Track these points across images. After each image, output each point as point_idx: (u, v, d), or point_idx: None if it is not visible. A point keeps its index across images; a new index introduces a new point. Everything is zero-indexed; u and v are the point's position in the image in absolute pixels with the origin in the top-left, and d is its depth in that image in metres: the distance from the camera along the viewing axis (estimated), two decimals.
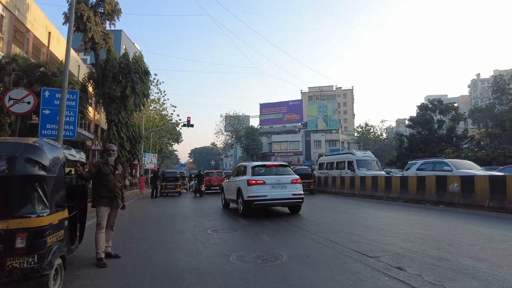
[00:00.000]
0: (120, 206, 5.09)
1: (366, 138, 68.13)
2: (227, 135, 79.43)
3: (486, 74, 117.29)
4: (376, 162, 19.50)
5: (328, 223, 8.01)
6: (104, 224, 4.82)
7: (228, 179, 12.12)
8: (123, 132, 22.79)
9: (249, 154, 69.12)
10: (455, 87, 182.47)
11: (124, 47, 27.56)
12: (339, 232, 6.64)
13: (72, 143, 25.62)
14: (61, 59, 26.33)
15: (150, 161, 35.58)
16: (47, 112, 11.11)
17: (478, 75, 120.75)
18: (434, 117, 37.58)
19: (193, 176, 26.24)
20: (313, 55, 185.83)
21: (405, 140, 38.65)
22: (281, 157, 71.13)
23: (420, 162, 15.47)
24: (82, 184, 5.20)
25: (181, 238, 6.55)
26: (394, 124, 78.32)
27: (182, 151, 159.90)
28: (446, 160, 14.32)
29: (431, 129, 36.94)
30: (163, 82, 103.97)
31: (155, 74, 54.68)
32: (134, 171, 33.26)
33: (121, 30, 48.72)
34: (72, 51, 31.60)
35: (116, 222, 5.26)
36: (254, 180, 9.11)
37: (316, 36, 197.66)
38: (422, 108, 38.67)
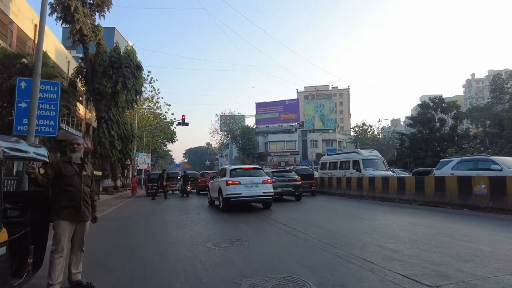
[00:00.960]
0: (90, 219, 3.87)
1: (363, 138, 67.28)
2: (222, 135, 78.07)
3: (481, 74, 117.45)
4: (383, 162, 18.42)
5: (347, 232, 6.84)
6: (64, 245, 3.54)
7: (213, 180, 13.43)
8: (114, 130, 21.45)
9: (245, 154, 67.91)
10: (449, 87, 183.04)
11: (115, 40, 26.11)
12: (367, 246, 5.48)
13: (60, 142, 24.22)
14: (49, 54, 25.00)
15: (143, 161, 34.22)
16: (24, 105, 9.82)
17: (473, 75, 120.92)
18: (436, 116, 36.75)
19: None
20: (311, 54, 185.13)
21: (406, 139, 37.75)
22: (278, 157, 70.08)
23: (456, 160, 13.78)
24: (41, 190, 3.91)
25: (175, 254, 5.33)
26: (389, 124, 77.67)
27: (177, 151, 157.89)
28: (493, 157, 12.32)
29: (432, 128, 36.12)
30: (157, 80, 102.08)
31: (149, 72, 53.09)
32: (126, 171, 31.86)
33: (114, 28, 47.22)
34: (62, 47, 30.41)
35: (96, 233, 4.01)
36: (231, 181, 10.78)
37: (314, 35, 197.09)
38: (423, 106, 37.82)
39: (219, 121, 77.45)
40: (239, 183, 10.73)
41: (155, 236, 6.93)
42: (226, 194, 10.63)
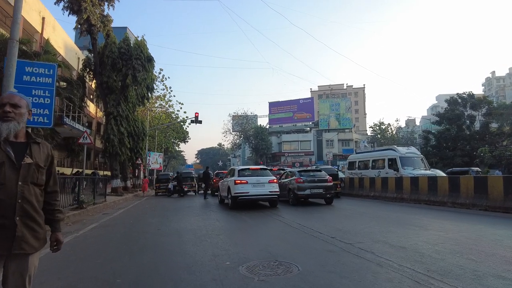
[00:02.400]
0: (40, 248, 1.99)
1: (383, 137, 64.67)
2: (235, 135, 76.46)
3: (501, 72, 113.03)
4: (422, 160, 16.34)
5: (428, 250, 4.97)
6: None
7: (222, 179, 14.20)
8: (123, 126, 19.98)
9: (258, 155, 66.13)
10: (467, 86, 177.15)
11: (127, 30, 24.54)
12: (481, 276, 3.63)
13: (67, 140, 22.90)
14: (58, 50, 23.78)
15: (155, 160, 32.82)
16: (14, 91, 8.30)
17: (493, 72, 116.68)
18: (465, 113, 34.26)
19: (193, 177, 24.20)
20: (325, 52, 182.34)
21: (432, 137, 35.33)
22: (292, 157, 68.11)
23: None
24: None
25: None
26: (404, 124, 74.42)
27: (189, 151, 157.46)
28: None
29: (461, 126, 33.64)
30: (169, 77, 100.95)
31: (161, 69, 51.85)
32: (137, 171, 30.47)
33: (126, 27, 46.17)
34: (72, 44, 29.24)
35: (90, 250, 2.45)
36: (239, 180, 11.43)
37: (326, 31, 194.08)
38: (450, 102, 35.33)
39: (231, 121, 75.96)
40: (247, 183, 11.35)
41: (167, 255, 5.19)
42: (235, 193, 11.28)
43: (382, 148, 22.02)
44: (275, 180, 11.94)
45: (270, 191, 11.46)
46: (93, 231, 7.58)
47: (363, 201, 14.61)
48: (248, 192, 11.27)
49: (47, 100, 8.74)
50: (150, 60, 20.48)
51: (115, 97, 20.14)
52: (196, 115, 30.98)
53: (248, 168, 12.72)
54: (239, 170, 12.22)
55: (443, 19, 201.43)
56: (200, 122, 31.22)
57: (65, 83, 14.72)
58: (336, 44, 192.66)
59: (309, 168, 17.87)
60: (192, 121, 31.21)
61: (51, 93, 8.82)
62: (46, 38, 17.90)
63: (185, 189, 21.51)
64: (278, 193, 11.79)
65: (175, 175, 26.23)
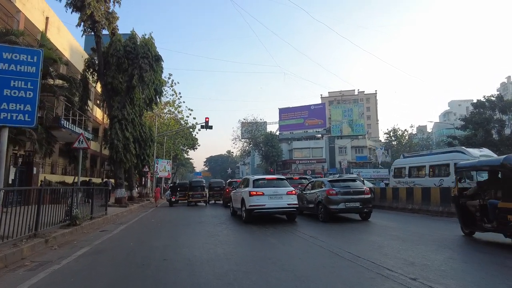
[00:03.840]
0: None
1: (399, 144, 62.26)
2: (244, 142, 74.71)
3: None
4: None
5: None
6: None
7: (235, 190, 13.11)
8: (129, 131, 18.36)
9: (268, 162, 64.20)
10: (480, 92, 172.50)
11: (132, 28, 22.95)
12: None
13: (69, 145, 21.35)
14: (63, 52, 22.46)
15: (163, 168, 31.15)
16: None
17: (509, 77, 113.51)
18: (493, 116, 31.92)
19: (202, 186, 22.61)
20: (334, 58, 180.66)
21: (457, 143, 32.98)
22: (303, 165, 66.02)
23: None
24: None
25: None
26: (415, 131, 71.51)
27: (197, 159, 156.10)
28: None
29: (489, 131, 31.30)
30: (178, 82, 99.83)
31: (170, 74, 50.51)
32: (144, 179, 28.81)
33: (135, 34, 45.12)
34: (78, 46, 28.02)
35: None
36: (254, 191, 10.47)
37: (336, 38, 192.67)
38: (477, 105, 33.03)
39: (240, 128, 74.39)
40: (263, 194, 10.43)
41: None
42: (250, 205, 10.40)
43: (445, 150, 18.34)
44: (294, 192, 10.92)
45: (288, 204, 10.49)
46: (79, 261, 5.79)
47: (400, 215, 12.62)
48: (264, 205, 10.33)
49: (29, 94, 7.07)
50: (158, 59, 18.91)
51: (120, 99, 18.59)
52: (207, 120, 29.40)
53: (264, 178, 11.67)
54: (254, 180, 11.29)
55: (454, 25, 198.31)
56: (211, 127, 29.65)
57: (63, 82, 13.18)
58: (347, 49, 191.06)
59: (341, 177, 15.72)
60: (202, 127, 29.59)
61: (34, 85, 7.15)
62: (43, 34, 16.40)
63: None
64: (297, 206, 10.84)
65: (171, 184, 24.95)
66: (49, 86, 11.75)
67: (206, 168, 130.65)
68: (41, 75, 9.93)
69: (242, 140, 73.80)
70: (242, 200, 11.12)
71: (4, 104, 6.91)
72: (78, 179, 10.38)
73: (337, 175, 17.61)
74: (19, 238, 6.38)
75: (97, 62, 18.85)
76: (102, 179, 28.18)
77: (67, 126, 14.21)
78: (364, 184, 15.20)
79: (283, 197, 10.57)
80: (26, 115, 7.01)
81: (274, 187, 10.89)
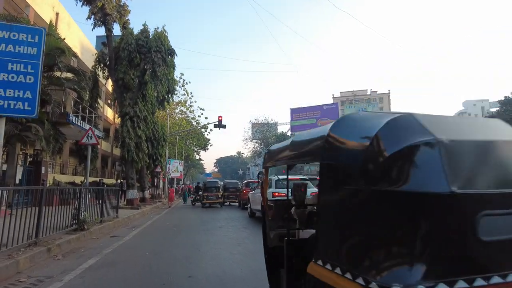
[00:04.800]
0: None
1: None
2: (256, 142, 73.57)
3: None
4: None
5: None
6: None
7: (254, 190, 12.42)
8: (141, 129, 17.43)
9: None
10: (496, 92, 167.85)
11: (144, 21, 21.73)
12: None
13: (77, 145, 20.53)
14: (73, 49, 21.75)
15: (175, 168, 30.29)
16: None
17: None
18: None
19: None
20: (347, 56, 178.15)
21: None
22: (316, 166, 64.52)
23: None
24: None
25: None
26: None
27: (207, 160, 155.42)
28: None
29: None
30: (189, 82, 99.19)
31: (181, 74, 49.72)
32: (156, 180, 27.94)
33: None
34: (89, 44, 27.37)
35: None
36: (277, 193, 9.75)
37: (350, 35, 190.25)
38: (504, 103, 31.33)
39: (251, 129, 73.32)
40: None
41: None
42: None
43: None
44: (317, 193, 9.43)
45: None
46: (85, 277, 4.75)
47: None
48: None
49: (30, 79, 6.11)
50: (171, 53, 17.95)
51: (132, 96, 17.69)
52: (220, 119, 28.38)
53: (287, 179, 10.07)
54: (276, 181, 10.60)
55: (469, 24, 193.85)
56: (224, 126, 28.61)
57: (72, 75, 12.30)
58: (359, 47, 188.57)
59: None
60: (215, 126, 28.56)
61: (35, 68, 6.19)
62: (51, 23, 15.61)
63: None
64: None
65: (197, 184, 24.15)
66: (56, 78, 10.86)
67: (216, 170, 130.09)
68: (47, 66, 8.99)
69: (253, 140, 72.59)
70: None
71: (7, 91, 5.96)
72: (86, 179, 9.40)
73: None
74: (16, 247, 5.40)
75: (107, 57, 17.97)
76: (117, 180, 27.39)
77: (76, 123, 13.30)
78: None
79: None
80: (26, 103, 6.05)
81: None
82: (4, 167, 13.52)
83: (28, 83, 6.10)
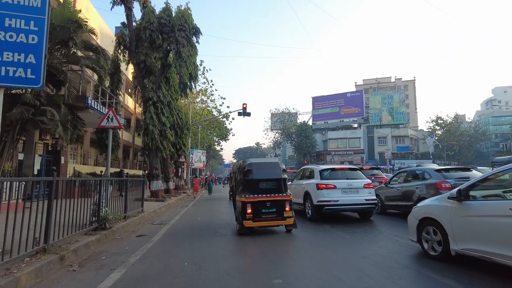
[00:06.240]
0: None
1: (448, 132, 57.00)
2: (276, 132, 71.80)
3: None
4: None
5: None
6: None
7: (291, 181, 11.42)
8: (165, 115, 16.11)
9: (301, 153, 61.05)
10: None
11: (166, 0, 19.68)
12: None
13: (101, 134, 19.45)
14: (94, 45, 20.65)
15: (198, 159, 29.10)
16: None
17: None
18: None
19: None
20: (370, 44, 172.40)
21: None
22: (339, 156, 62.36)
23: None
24: None
25: None
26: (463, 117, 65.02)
27: (226, 151, 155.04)
28: None
29: None
30: (210, 69, 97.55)
31: (201, 61, 48.19)
32: (180, 170, 26.80)
33: None
34: (108, 30, 26.26)
35: None
36: (324, 184, 8.88)
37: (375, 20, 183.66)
38: None
39: (271, 119, 71.55)
40: (335, 188, 8.78)
41: None
42: (318, 201, 8.78)
43: None
44: (371, 184, 9.30)
45: (366, 200, 8.80)
46: None
47: None
48: (337, 201, 8.62)
49: (33, 39, 4.72)
50: (196, 32, 16.41)
51: (154, 79, 16.36)
52: (244, 106, 26.84)
53: (334, 168, 9.84)
54: (321, 171, 9.44)
55: (497, 8, 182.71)
56: (249, 114, 27.02)
57: (89, 53, 11.02)
58: (387, 34, 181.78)
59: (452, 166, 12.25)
60: (239, 113, 27.03)
61: (40, 25, 4.79)
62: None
63: None
64: (376, 202, 9.43)
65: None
66: (72, 54, 9.56)
67: (235, 160, 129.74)
68: (62, 41, 7.61)
69: (274, 130, 70.81)
70: (305, 195, 9.50)
71: (4, 54, 4.59)
72: (108, 169, 8.10)
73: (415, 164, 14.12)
74: (19, 256, 4.09)
75: (128, 38, 16.66)
76: (144, 171, 26.46)
77: (95, 107, 12.06)
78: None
79: (359, 190, 8.87)
80: (29, 70, 4.68)
81: (347, 178, 9.17)
82: (21, 156, 12.53)
83: (31, 44, 4.71)
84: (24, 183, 5.76)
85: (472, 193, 4.37)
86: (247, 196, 7.09)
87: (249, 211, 6.96)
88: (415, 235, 5.14)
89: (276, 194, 7.17)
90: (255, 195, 7.08)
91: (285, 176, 7.52)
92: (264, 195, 7.11)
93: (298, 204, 10.24)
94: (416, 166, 11.81)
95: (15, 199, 4.39)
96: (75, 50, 9.66)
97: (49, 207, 4.69)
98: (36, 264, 4.11)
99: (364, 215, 9.41)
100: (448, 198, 4.57)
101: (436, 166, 8.99)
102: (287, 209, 7.15)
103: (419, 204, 5.42)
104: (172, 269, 4.57)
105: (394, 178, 10.29)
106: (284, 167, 7.66)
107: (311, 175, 9.86)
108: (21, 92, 9.74)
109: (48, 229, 4.63)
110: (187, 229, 8.29)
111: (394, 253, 5.33)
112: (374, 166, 16.56)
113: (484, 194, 4.45)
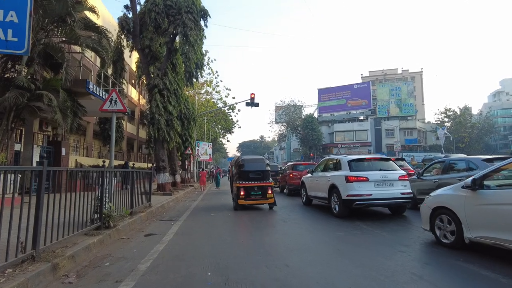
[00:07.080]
0: None
1: (459, 124, 55.62)
2: (281, 125, 70.76)
3: None
4: None
5: None
6: None
7: (311, 174, 10.59)
8: (171, 104, 15.14)
9: (307, 146, 60.03)
10: None
11: None
12: None
13: (104, 124, 18.49)
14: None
15: (204, 151, 28.19)
16: None
17: None
18: None
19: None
20: (377, 35, 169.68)
21: None
22: (346, 149, 61.24)
23: None
24: None
25: None
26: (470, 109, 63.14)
27: (229, 144, 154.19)
28: None
29: None
30: (214, 59, 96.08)
31: (206, 51, 46.97)
32: (187, 163, 25.90)
33: None
34: (110, 17, 25.16)
35: None
36: (354, 177, 7.88)
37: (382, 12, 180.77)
38: None
39: (275, 112, 70.50)
40: (367, 180, 7.77)
41: None
42: (348, 195, 7.78)
43: None
44: (406, 176, 8.27)
45: (402, 193, 7.75)
46: None
47: None
48: (370, 195, 7.62)
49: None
50: (205, 14, 15.31)
51: (160, 66, 15.37)
52: (252, 96, 25.78)
53: (365, 159, 8.76)
54: (350, 161, 8.40)
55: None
56: (257, 104, 25.93)
57: (90, 32, 10.01)
58: (391, 24, 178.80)
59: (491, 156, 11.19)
60: (247, 104, 25.97)
61: None
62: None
63: None
64: (412, 195, 8.06)
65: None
66: (70, 32, 8.56)
67: (239, 154, 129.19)
68: (59, 17, 6.72)
69: (279, 123, 69.76)
70: (332, 187, 8.51)
71: None
72: (111, 159, 7.18)
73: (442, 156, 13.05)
74: (5, 265, 3.18)
75: (132, 22, 15.63)
76: (153, 164, 25.70)
77: (98, 93, 11.09)
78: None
79: (393, 183, 7.86)
80: (10, 31, 3.71)
81: (380, 170, 8.15)
82: (18, 147, 11.65)
83: (14, 1, 3.74)
84: (19, 175, 4.86)
85: (486, 182, 4.46)
86: (241, 182, 9.92)
87: (242, 193, 9.82)
88: (428, 224, 5.30)
89: (262, 181, 9.97)
90: (247, 182, 9.90)
91: (268, 168, 10.36)
92: (253, 182, 9.92)
93: (321, 198, 9.42)
94: (444, 157, 10.82)
95: (10, 193, 3.51)
96: (74, 28, 8.66)
97: (37, 204, 3.75)
98: (19, 278, 3.18)
99: (397, 210, 8.47)
100: (462, 187, 4.67)
101: (481, 156, 7.91)
102: (269, 192, 9.93)
103: (432, 194, 5.54)
104: (193, 280, 3.63)
105: (427, 170, 9.29)
106: (267, 162, 10.60)
107: (337, 167, 8.88)
108: (14, 75, 8.81)
109: (37, 231, 3.70)
110: (201, 227, 7.36)
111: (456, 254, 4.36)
112: (399, 158, 15.53)
113: (498, 184, 4.52)
